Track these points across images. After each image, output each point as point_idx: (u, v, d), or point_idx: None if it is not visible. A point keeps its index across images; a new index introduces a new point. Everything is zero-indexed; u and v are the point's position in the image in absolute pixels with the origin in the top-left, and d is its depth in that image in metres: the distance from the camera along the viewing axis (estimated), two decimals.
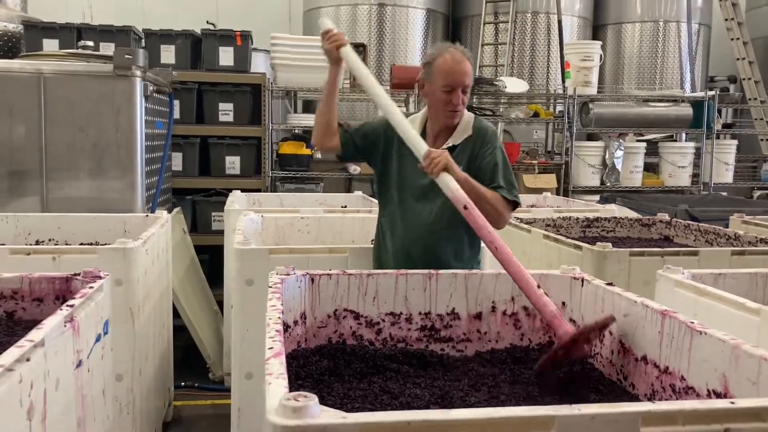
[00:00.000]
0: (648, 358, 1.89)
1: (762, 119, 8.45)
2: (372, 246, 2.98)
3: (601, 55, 7.53)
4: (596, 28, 9.12)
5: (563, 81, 7.56)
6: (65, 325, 1.69)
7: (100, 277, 2.10)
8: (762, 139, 8.54)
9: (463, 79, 2.63)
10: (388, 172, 2.83)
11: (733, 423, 1.20)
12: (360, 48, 6.31)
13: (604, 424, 1.17)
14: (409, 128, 2.55)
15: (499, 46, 8.29)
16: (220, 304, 5.04)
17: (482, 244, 2.79)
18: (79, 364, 1.80)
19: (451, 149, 2.69)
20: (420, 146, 2.49)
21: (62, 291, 2.15)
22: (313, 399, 1.12)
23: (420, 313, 2.30)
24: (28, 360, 1.44)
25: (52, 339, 1.58)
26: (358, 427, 1.10)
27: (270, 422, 1.10)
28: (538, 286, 2.16)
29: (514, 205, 2.68)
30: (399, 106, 6.05)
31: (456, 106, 2.64)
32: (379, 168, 2.86)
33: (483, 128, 2.76)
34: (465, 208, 2.30)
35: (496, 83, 6.76)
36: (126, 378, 2.71)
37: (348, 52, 2.71)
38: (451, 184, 2.38)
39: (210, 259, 5.64)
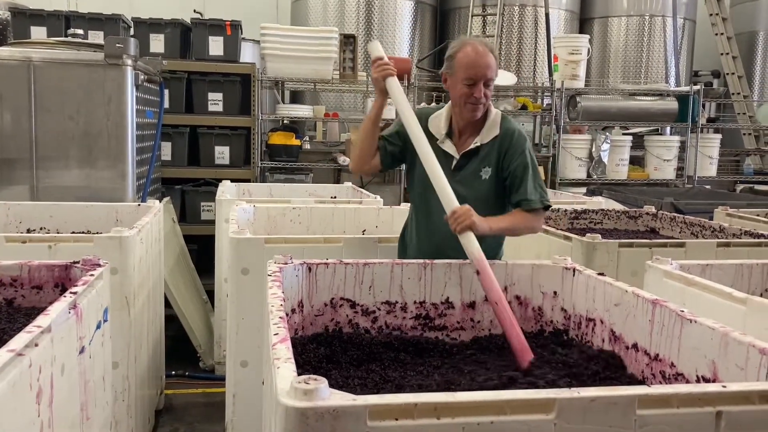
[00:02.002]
0: (639, 345, 1.95)
1: (745, 114, 8.58)
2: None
3: (588, 49, 7.59)
4: (583, 22, 9.19)
5: (550, 74, 7.62)
6: (69, 312, 1.72)
7: (99, 265, 2.12)
8: (745, 134, 8.67)
9: (485, 72, 2.56)
10: (415, 170, 2.74)
11: (725, 406, 1.25)
12: (350, 39, 6.32)
13: (603, 406, 1.22)
14: (442, 177, 2.45)
15: (486, 39, 8.32)
16: (210, 293, 5.05)
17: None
18: (82, 350, 1.83)
19: (478, 149, 2.66)
20: (450, 201, 2.42)
21: (61, 279, 2.17)
22: (323, 382, 1.16)
23: (415, 302, 2.35)
24: (36, 345, 1.46)
25: (58, 325, 1.60)
26: (368, 408, 1.14)
27: (282, 404, 1.13)
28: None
29: (547, 208, 2.65)
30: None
31: (478, 99, 2.57)
32: (408, 163, 2.80)
33: (511, 129, 2.69)
34: (477, 273, 2.27)
35: None
36: (122, 366, 2.73)
37: (393, 85, 2.62)
38: (471, 246, 2.31)
39: (199, 249, 5.65)
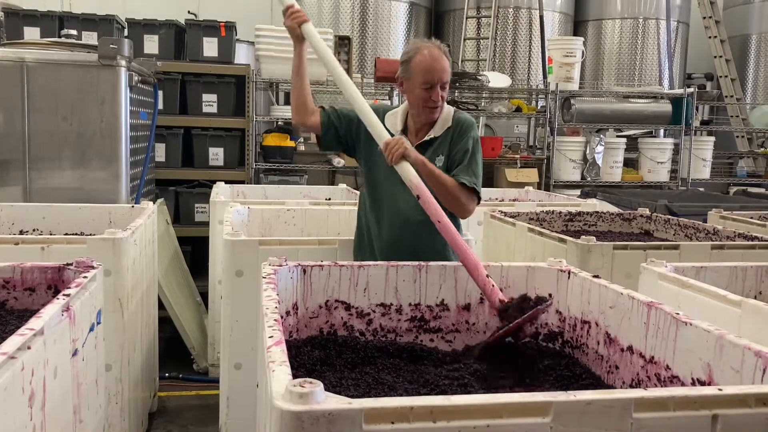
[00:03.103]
0: (634, 348, 1.95)
1: (738, 116, 8.61)
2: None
3: (583, 51, 7.61)
4: (577, 24, 9.21)
5: (545, 76, 7.63)
6: (62, 314, 1.70)
7: (93, 267, 2.11)
8: (738, 136, 8.70)
9: (441, 76, 2.64)
10: (369, 159, 2.82)
11: (721, 409, 1.25)
12: (345, 41, 6.31)
13: (599, 409, 1.21)
14: (371, 115, 2.56)
15: (481, 41, 8.34)
16: (203, 295, 5.04)
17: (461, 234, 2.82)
18: (75, 353, 1.81)
19: (432, 141, 2.75)
20: (381, 134, 2.53)
21: (54, 281, 2.15)
22: (318, 385, 1.15)
23: (410, 305, 2.34)
24: (29, 348, 1.45)
25: (50, 327, 1.59)
26: (363, 411, 1.13)
27: (277, 407, 1.12)
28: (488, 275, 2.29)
29: (476, 194, 2.71)
30: (383, 100, 6.03)
31: (435, 102, 2.67)
32: (363, 155, 2.85)
33: (462, 119, 2.80)
34: (418, 197, 2.39)
35: (480, 78, 6.80)
36: (115, 368, 2.71)
37: (310, 30, 2.70)
38: (409, 173, 2.44)
39: (193, 251, 5.64)
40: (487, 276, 2.26)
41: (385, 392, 1.81)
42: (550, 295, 2.35)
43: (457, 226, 2.80)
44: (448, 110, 2.80)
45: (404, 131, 2.77)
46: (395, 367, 2.11)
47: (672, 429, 1.24)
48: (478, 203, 2.77)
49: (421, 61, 2.64)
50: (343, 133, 2.84)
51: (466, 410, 1.17)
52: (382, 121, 2.72)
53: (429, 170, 2.58)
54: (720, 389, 1.28)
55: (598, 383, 2.02)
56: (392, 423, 1.15)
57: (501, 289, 2.28)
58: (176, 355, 4.63)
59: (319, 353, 2.12)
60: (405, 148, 2.46)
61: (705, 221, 4.11)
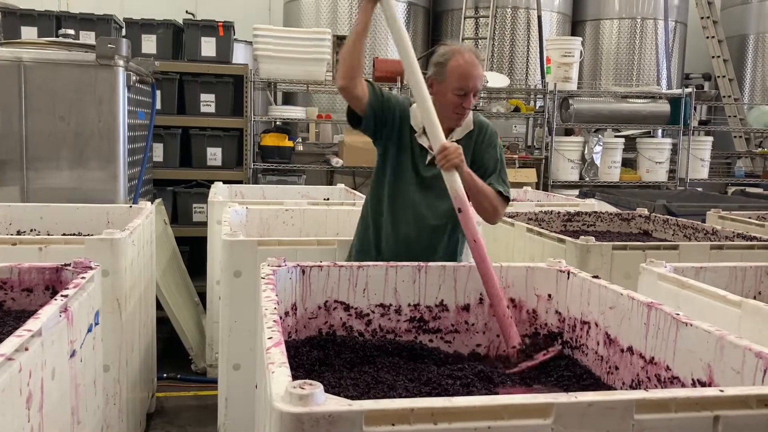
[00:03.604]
0: (634, 348, 1.94)
1: (736, 116, 8.62)
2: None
3: (581, 51, 7.61)
4: (575, 24, 9.21)
5: (542, 76, 7.63)
6: (60, 315, 1.70)
7: (91, 268, 2.10)
8: (736, 136, 8.70)
9: (476, 84, 2.62)
10: (399, 156, 2.73)
11: (723, 410, 1.25)
12: (343, 40, 6.29)
13: (600, 410, 1.21)
14: (432, 111, 2.44)
15: (479, 41, 8.33)
16: (201, 295, 5.03)
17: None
18: (73, 354, 1.81)
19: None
20: (438, 134, 2.44)
21: (52, 281, 2.14)
22: (318, 387, 1.15)
23: (409, 305, 2.33)
24: (26, 349, 1.44)
25: (48, 329, 1.58)
26: (363, 413, 1.13)
27: (277, 409, 1.12)
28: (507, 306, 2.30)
29: (508, 201, 2.74)
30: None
31: (465, 109, 2.64)
32: (392, 149, 2.73)
33: (484, 124, 2.79)
34: (459, 210, 2.36)
35: None
36: (113, 369, 2.70)
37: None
38: (455, 184, 2.40)
39: (191, 251, 5.62)
40: (511, 317, 2.28)
41: (384, 392, 1.81)
42: (549, 296, 2.36)
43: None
44: (469, 113, 2.76)
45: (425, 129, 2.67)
46: (395, 367, 2.10)
47: (673, 430, 1.24)
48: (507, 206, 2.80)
49: (458, 66, 2.58)
50: (380, 118, 2.67)
51: (467, 412, 1.17)
52: (409, 116, 2.71)
53: (475, 183, 2.56)
54: (721, 390, 1.27)
55: (598, 384, 2.02)
56: (393, 425, 1.14)
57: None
58: (174, 355, 4.62)
59: (318, 353, 2.12)
60: (462, 161, 2.43)
61: (703, 221, 4.11)
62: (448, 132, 2.69)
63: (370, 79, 2.74)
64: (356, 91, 2.57)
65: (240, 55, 7.02)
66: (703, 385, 1.66)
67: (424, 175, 2.70)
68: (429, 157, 2.67)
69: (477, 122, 2.77)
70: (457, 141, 2.68)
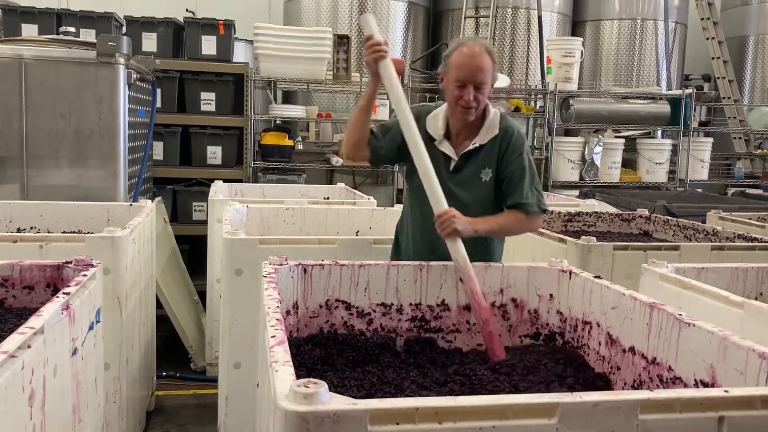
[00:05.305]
0: (636, 349, 1.94)
1: (735, 117, 8.62)
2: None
3: (581, 52, 7.60)
4: (575, 25, 9.20)
5: (543, 77, 7.63)
6: (62, 313, 1.69)
7: (92, 266, 2.09)
8: (735, 137, 8.70)
9: (475, 75, 2.47)
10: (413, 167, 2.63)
11: (727, 411, 1.25)
12: (344, 40, 6.30)
13: (605, 410, 1.21)
14: (433, 176, 2.39)
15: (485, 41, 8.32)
16: (201, 294, 5.02)
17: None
18: (75, 351, 1.80)
19: (478, 150, 2.60)
20: (439, 202, 2.38)
21: (53, 279, 2.14)
22: (323, 385, 1.14)
23: (410, 304, 2.33)
24: (29, 347, 1.44)
25: (50, 326, 1.58)
26: (368, 413, 1.13)
27: (281, 408, 1.11)
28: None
29: (543, 211, 2.61)
30: (382, 99, 6.00)
31: (467, 102, 2.49)
32: (406, 156, 2.63)
33: (510, 128, 2.62)
34: (460, 279, 2.31)
35: None
36: (113, 367, 2.69)
37: (386, 69, 2.46)
38: (456, 253, 2.32)
39: (190, 249, 5.62)
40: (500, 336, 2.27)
41: (391, 393, 1.80)
42: (551, 296, 2.35)
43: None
44: (494, 116, 2.62)
45: (447, 135, 2.63)
46: (397, 365, 2.10)
47: (678, 431, 1.24)
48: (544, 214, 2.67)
49: (458, 57, 2.50)
50: (393, 151, 2.67)
51: (472, 411, 1.17)
52: (423, 126, 2.59)
53: (486, 231, 2.49)
54: (726, 391, 1.27)
55: (600, 384, 2.02)
56: (397, 424, 1.14)
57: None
58: (174, 354, 4.62)
59: (320, 352, 2.12)
60: (454, 229, 2.33)
61: (703, 222, 4.11)
62: (465, 130, 2.61)
63: (373, 128, 2.70)
64: (361, 156, 2.68)
65: (240, 53, 7.01)
66: (705, 385, 1.66)
67: (448, 183, 2.55)
68: (453, 164, 2.61)
69: (503, 127, 2.61)
70: (481, 146, 2.60)
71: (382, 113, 5.99)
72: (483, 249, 2.62)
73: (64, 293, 1.77)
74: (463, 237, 2.35)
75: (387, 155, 2.71)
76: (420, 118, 2.60)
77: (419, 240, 2.70)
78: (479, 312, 2.26)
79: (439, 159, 2.57)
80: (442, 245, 2.40)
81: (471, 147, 2.60)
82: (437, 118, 2.66)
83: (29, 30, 5.55)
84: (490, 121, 2.61)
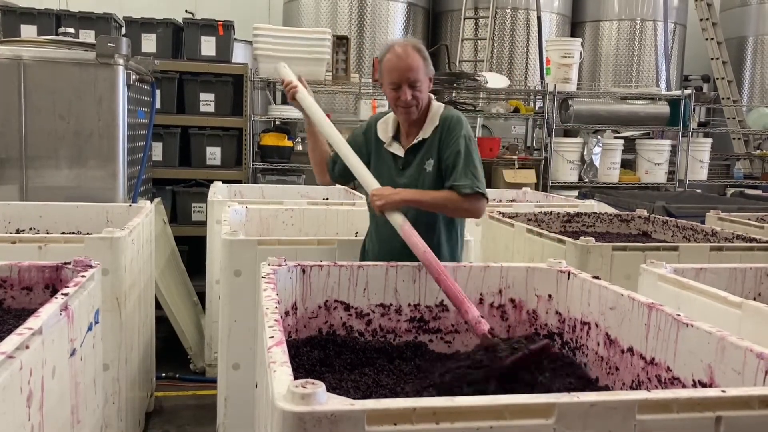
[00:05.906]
0: (634, 349, 1.94)
1: (735, 118, 8.62)
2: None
3: (581, 52, 7.61)
4: (574, 25, 9.21)
5: (542, 77, 7.63)
6: (61, 314, 1.69)
7: (91, 266, 2.09)
8: (734, 138, 8.71)
9: (407, 75, 2.52)
10: (370, 166, 2.74)
11: (725, 411, 1.25)
12: (343, 41, 6.30)
13: (603, 411, 1.21)
14: (361, 167, 2.60)
15: (478, 42, 8.34)
16: (200, 295, 5.02)
17: (462, 236, 2.82)
18: (73, 352, 1.80)
19: (422, 143, 2.65)
20: (368, 184, 2.56)
21: (52, 280, 2.14)
22: (320, 386, 1.15)
23: (409, 305, 2.33)
24: (27, 348, 1.44)
25: (49, 327, 1.58)
26: (366, 413, 1.13)
27: (279, 408, 1.11)
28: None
29: (480, 195, 2.58)
30: (381, 100, 6.01)
31: (406, 102, 2.54)
32: (371, 165, 2.77)
33: (448, 116, 2.65)
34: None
35: (477, 78, 6.80)
36: (112, 368, 2.70)
37: (302, 99, 2.74)
38: (393, 221, 2.44)
39: (190, 250, 5.62)
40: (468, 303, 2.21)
41: (385, 393, 1.80)
42: (549, 296, 2.35)
43: (460, 227, 2.81)
44: (437, 109, 2.68)
45: (396, 137, 2.71)
46: (396, 367, 2.10)
47: (675, 431, 1.24)
48: (487, 201, 2.65)
49: (388, 60, 2.56)
50: (342, 170, 2.81)
51: (469, 412, 1.17)
52: (374, 132, 2.74)
53: (421, 202, 2.56)
54: (723, 391, 1.27)
55: (598, 384, 2.02)
56: (395, 424, 1.14)
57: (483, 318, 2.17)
58: (173, 355, 4.62)
59: (319, 353, 2.12)
60: (387, 200, 2.46)
61: (702, 223, 4.10)
62: (413, 128, 2.68)
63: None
64: (326, 180, 2.94)
65: (240, 54, 7.01)
66: (704, 386, 1.66)
67: (397, 181, 2.65)
68: (401, 162, 2.69)
69: (443, 117, 2.65)
70: (424, 139, 2.65)
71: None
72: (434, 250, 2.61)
73: (62, 294, 1.77)
74: (396, 208, 2.46)
75: (342, 173, 2.83)
76: (371, 126, 2.75)
77: (377, 246, 2.77)
78: (430, 269, 2.24)
79: (388, 160, 2.70)
80: (399, 249, 2.48)
81: (415, 141, 2.67)
82: (387, 122, 2.75)
83: (28, 31, 5.56)
84: (432, 114, 2.68)
